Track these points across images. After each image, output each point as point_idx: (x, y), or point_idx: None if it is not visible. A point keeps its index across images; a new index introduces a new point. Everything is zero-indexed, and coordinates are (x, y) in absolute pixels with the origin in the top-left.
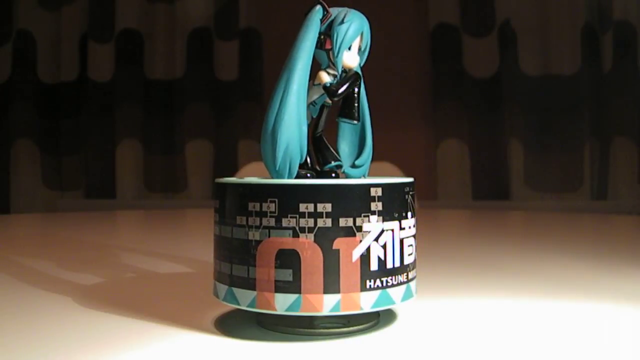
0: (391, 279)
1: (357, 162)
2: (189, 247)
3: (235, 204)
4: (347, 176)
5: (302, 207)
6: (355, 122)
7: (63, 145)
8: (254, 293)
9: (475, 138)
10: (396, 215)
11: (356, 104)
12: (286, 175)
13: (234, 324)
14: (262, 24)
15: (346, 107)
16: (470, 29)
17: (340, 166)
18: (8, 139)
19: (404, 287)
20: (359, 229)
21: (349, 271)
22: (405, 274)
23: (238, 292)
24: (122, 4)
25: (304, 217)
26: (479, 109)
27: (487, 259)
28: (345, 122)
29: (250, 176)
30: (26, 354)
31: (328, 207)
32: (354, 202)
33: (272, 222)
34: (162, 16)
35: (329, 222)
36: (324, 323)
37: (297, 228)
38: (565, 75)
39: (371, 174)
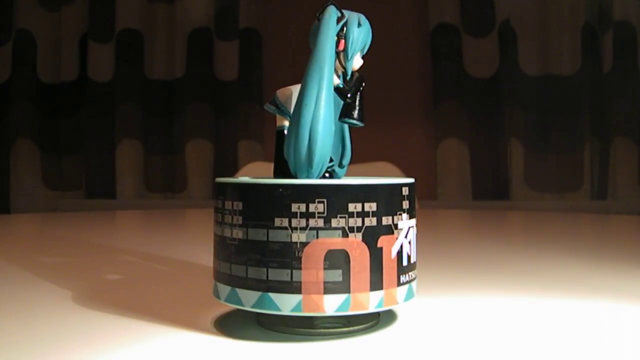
0: (413, 273)
1: (343, 162)
2: (188, 247)
3: (273, 206)
4: (336, 176)
5: (351, 207)
6: (361, 123)
7: (63, 145)
8: (299, 297)
9: (475, 138)
10: (413, 213)
11: (359, 106)
12: (317, 175)
13: (234, 324)
14: (262, 24)
15: (352, 109)
16: (470, 29)
17: (333, 166)
18: (8, 139)
19: (416, 280)
20: (396, 226)
21: (389, 268)
22: (416, 268)
23: (278, 297)
24: (122, 4)
25: (353, 217)
26: (479, 109)
27: (487, 259)
28: (349, 123)
29: (250, 176)
30: (26, 354)
31: (374, 206)
32: (392, 201)
33: (321, 222)
34: (162, 16)
35: (374, 221)
36: (324, 323)
37: (346, 228)
38: (565, 75)
39: (371, 174)
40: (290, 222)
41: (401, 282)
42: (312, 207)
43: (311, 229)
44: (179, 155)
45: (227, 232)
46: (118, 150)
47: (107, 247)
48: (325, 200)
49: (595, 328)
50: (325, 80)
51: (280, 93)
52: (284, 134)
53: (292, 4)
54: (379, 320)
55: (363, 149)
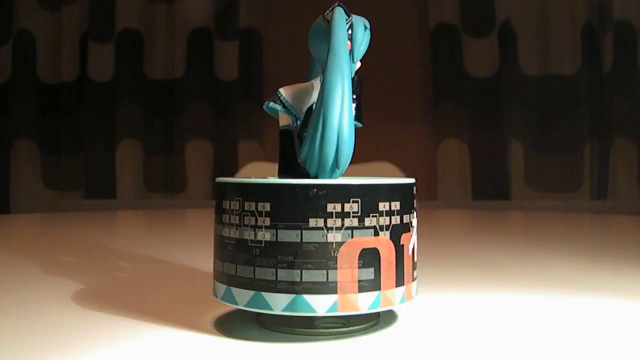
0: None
1: None
2: (188, 248)
3: (308, 206)
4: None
5: (381, 206)
6: (360, 124)
7: (63, 145)
8: (335, 297)
9: (475, 138)
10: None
11: (358, 107)
12: (339, 174)
13: (234, 324)
14: (262, 24)
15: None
16: (470, 29)
17: None
18: (8, 139)
19: None
20: (411, 224)
21: (408, 264)
22: None
23: (312, 298)
24: (122, 4)
25: (383, 216)
26: (479, 109)
27: (487, 259)
28: None
29: (250, 176)
30: (26, 354)
31: (397, 205)
32: (410, 200)
33: (355, 222)
34: (162, 16)
35: (398, 220)
36: (324, 323)
37: (377, 227)
38: (565, 75)
39: (371, 174)
40: (325, 222)
41: (413, 277)
42: (347, 207)
43: (346, 228)
44: (179, 155)
45: (249, 235)
46: (118, 150)
47: (107, 247)
48: (359, 200)
49: (595, 327)
50: (347, 81)
51: (286, 92)
52: (289, 133)
53: (292, 4)
54: (379, 320)
55: (363, 149)
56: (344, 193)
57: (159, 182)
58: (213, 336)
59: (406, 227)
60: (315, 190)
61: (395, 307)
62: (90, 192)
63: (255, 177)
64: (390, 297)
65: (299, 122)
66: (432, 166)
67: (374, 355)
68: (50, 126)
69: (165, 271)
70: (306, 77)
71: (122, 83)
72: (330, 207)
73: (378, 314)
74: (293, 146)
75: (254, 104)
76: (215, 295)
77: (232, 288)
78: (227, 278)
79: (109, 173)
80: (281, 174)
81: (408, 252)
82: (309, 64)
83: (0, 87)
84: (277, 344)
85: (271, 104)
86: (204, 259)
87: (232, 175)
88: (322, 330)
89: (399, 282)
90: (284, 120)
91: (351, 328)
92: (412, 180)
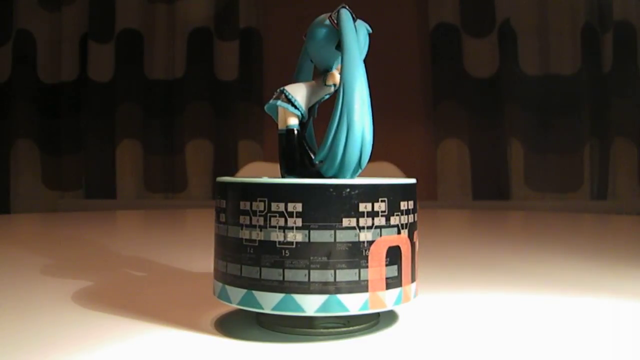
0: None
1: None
2: (188, 248)
3: (341, 206)
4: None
5: (403, 205)
6: None
7: (63, 145)
8: (367, 295)
9: (475, 138)
10: None
11: None
12: (357, 174)
13: (234, 324)
14: (262, 24)
15: None
16: (470, 29)
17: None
18: (8, 139)
19: None
20: (416, 223)
21: (417, 260)
22: None
23: (346, 297)
24: (122, 4)
25: (404, 214)
26: (479, 109)
27: (487, 259)
28: None
29: (251, 176)
30: (26, 353)
31: (412, 204)
32: (415, 199)
33: (383, 221)
34: (162, 16)
35: (412, 218)
36: (324, 323)
37: (399, 225)
38: (565, 75)
39: (371, 174)
40: (358, 221)
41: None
42: (376, 206)
43: (376, 227)
44: (179, 155)
45: (277, 236)
46: (118, 150)
47: (107, 247)
48: (386, 199)
49: (595, 327)
50: (364, 81)
51: (292, 90)
52: (296, 132)
53: (292, 4)
54: (378, 320)
55: None
56: (374, 193)
57: (159, 182)
58: (213, 336)
59: (416, 226)
60: (348, 190)
61: (396, 306)
62: (90, 192)
63: (252, 178)
64: (408, 292)
65: (304, 121)
66: (432, 166)
67: (374, 355)
68: (50, 126)
69: (166, 271)
70: (295, 76)
71: (122, 83)
72: (362, 207)
73: (378, 314)
74: (301, 145)
75: (254, 104)
76: (228, 300)
77: (255, 292)
78: (248, 282)
79: (109, 173)
80: (288, 174)
81: (417, 249)
82: (298, 63)
83: (0, 87)
84: (277, 344)
85: (279, 102)
86: (204, 259)
87: (232, 176)
88: (322, 330)
89: (413, 278)
90: (291, 119)
91: (351, 328)
92: (414, 181)
